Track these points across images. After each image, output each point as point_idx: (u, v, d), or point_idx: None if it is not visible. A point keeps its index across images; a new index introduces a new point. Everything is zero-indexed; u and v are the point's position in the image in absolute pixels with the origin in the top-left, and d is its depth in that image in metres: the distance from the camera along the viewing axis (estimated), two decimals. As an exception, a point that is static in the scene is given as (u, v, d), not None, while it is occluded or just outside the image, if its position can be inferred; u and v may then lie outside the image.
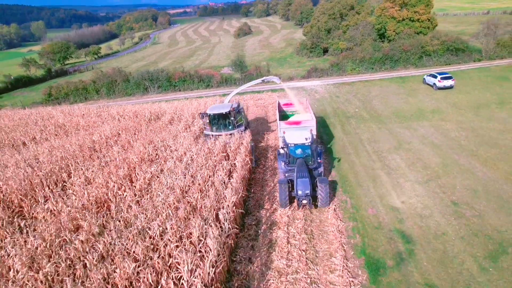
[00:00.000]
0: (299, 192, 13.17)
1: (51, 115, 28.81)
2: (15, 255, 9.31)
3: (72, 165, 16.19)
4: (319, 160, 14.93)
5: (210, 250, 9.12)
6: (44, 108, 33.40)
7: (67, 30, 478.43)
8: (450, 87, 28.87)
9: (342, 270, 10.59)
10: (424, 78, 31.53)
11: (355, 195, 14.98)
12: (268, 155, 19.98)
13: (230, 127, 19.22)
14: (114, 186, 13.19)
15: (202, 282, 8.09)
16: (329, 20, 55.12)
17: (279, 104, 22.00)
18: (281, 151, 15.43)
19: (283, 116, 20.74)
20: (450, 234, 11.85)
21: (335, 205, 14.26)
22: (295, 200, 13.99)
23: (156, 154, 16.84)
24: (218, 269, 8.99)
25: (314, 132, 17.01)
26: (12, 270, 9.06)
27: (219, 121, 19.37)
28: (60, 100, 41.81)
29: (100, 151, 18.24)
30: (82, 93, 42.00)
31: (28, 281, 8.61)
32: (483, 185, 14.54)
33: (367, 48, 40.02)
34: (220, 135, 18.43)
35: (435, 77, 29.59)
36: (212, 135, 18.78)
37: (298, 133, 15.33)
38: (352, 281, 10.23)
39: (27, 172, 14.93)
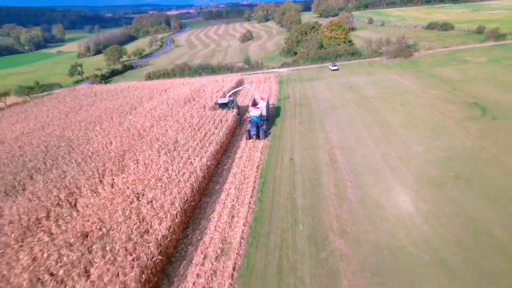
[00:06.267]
0: (252, 133, 36.54)
1: (162, 83, 71.40)
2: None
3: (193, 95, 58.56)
4: (263, 123, 37.82)
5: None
6: (154, 81, 76.30)
7: (80, 31, 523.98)
8: (337, 69, 71.27)
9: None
10: (329, 66, 74.03)
11: (279, 92, 57.45)
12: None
13: (228, 109, 43.24)
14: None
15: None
16: (299, 35, 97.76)
17: (254, 98, 43.74)
18: (249, 117, 38.75)
19: (256, 103, 42.27)
20: (310, 96, 54.34)
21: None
22: (251, 136, 37.15)
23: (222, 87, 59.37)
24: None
25: (264, 112, 39.65)
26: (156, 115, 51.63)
27: (223, 106, 43.70)
28: (154, 78, 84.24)
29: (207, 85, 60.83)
30: (166, 76, 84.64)
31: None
32: (337, 95, 56.84)
33: (311, 53, 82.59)
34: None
35: (331, 64, 72.18)
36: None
37: (255, 111, 37.67)
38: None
39: (171, 98, 57.33)
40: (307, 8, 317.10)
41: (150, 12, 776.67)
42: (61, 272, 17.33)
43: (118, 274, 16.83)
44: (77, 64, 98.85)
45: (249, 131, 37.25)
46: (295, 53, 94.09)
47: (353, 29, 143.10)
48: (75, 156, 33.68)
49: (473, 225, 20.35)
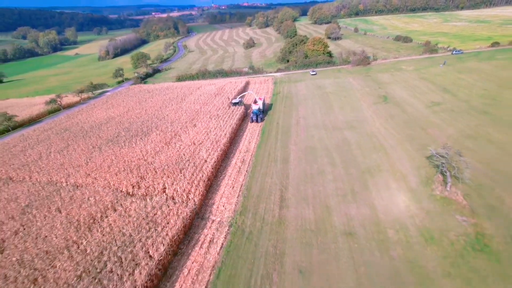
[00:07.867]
0: (253, 118, 66.69)
1: (192, 83, 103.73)
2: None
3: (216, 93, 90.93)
4: (260, 113, 67.87)
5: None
6: (184, 82, 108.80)
7: (89, 33, 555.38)
8: (315, 74, 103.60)
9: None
10: (310, 72, 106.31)
11: (274, 90, 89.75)
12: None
13: (239, 106, 75.34)
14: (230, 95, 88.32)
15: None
16: (291, 46, 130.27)
17: (255, 98, 73.14)
18: (252, 110, 69.70)
19: (256, 101, 71.16)
20: (293, 92, 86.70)
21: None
22: (253, 120, 66.81)
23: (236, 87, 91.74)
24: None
25: (261, 107, 68.21)
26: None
27: (235, 104, 73.54)
28: (182, 80, 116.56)
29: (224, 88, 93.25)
30: (191, 78, 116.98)
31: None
32: (309, 91, 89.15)
33: (299, 61, 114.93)
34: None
35: (311, 70, 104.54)
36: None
37: (256, 106, 67.26)
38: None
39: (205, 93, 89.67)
40: (304, 13, 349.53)
41: (153, 13, 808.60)
42: (191, 150, 49.65)
43: (211, 147, 49.16)
44: (119, 69, 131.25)
45: (252, 118, 68.40)
46: (288, 61, 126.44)
47: (338, 38, 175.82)
48: (164, 122, 65.93)
49: (346, 143, 52.56)
